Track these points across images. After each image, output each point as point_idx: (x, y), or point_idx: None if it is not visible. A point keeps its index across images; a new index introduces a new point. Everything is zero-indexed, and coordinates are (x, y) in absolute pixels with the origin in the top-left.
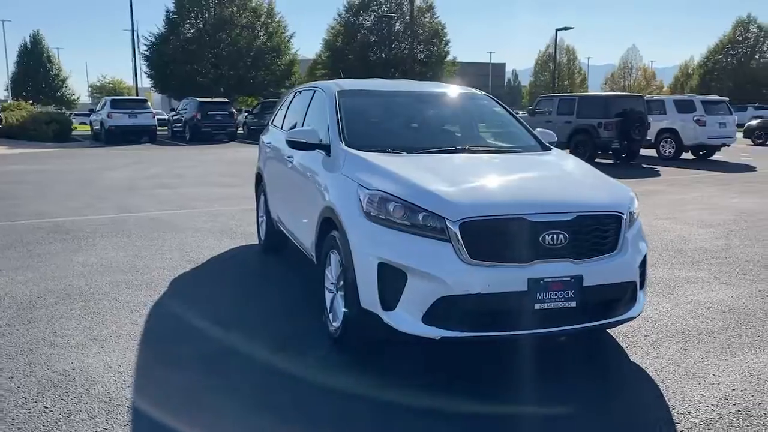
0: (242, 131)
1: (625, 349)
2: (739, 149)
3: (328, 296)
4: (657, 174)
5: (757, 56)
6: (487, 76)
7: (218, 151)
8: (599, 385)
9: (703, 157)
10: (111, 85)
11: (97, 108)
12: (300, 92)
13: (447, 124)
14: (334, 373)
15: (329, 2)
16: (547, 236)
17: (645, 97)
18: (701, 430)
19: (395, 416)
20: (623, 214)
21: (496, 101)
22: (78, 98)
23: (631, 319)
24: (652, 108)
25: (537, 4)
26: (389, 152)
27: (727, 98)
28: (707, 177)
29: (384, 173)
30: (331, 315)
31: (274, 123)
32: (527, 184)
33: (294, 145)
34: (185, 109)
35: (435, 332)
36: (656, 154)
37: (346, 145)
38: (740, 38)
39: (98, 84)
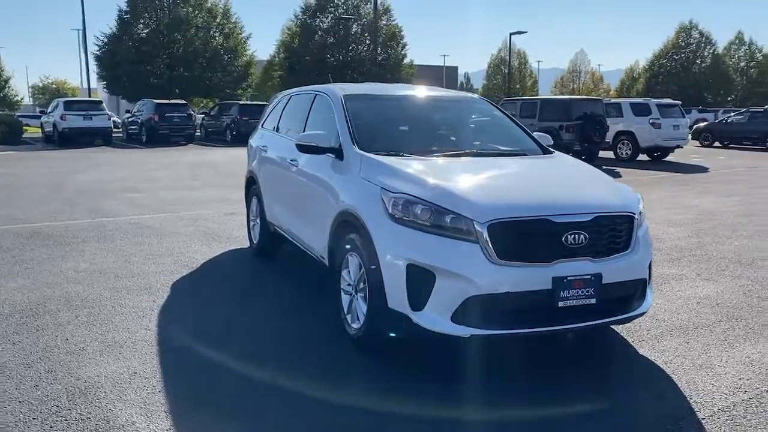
0: (199, 133)
1: (632, 344)
2: (689, 151)
3: (345, 298)
4: (618, 175)
5: (698, 61)
6: (440, 79)
7: (178, 153)
8: (618, 379)
9: (658, 158)
10: (54, 86)
11: (49, 110)
12: (295, 96)
13: (453, 127)
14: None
15: (284, 3)
16: (569, 236)
17: (603, 101)
18: (720, 418)
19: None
20: (635, 214)
21: (494, 105)
22: (21, 99)
23: (642, 314)
24: (609, 111)
25: (487, 7)
26: (402, 155)
27: (680, 102)
28: (666, 178)
29: (405, 176)
30: (349, 316)
31: (265, 126)
32: (546, 186)
33: (304, 149)
34: (141, 111)
35: (464, 331)
36: (614, 156)
37: (359, 148)
38: (683, 43)
39: (40, 85)
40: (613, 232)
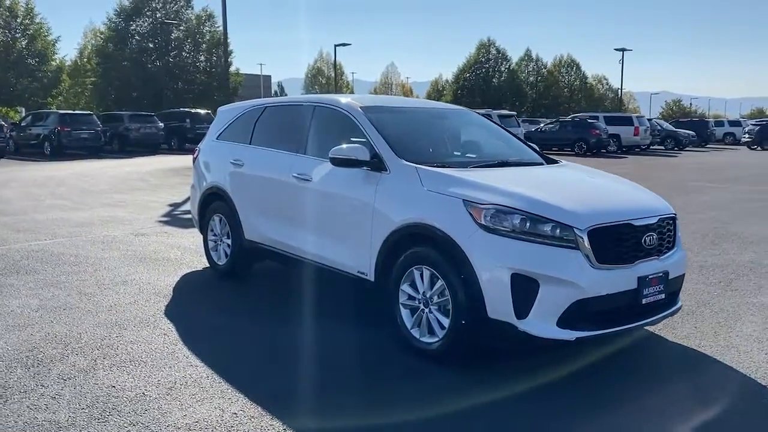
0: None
1: (657, 334)
2: None
3: (405, 312)
4: None
5: (497, 75)
6: (255, 87)
7: (3, 171)
8: (674, 371)
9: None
10: None
11: None
12: (273, 107)
13: (470, 139)
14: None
15: (88, 5)
16: (647, 238)
17: None
18: None
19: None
20: (676, 215)
21: (483, 117)
22: None
23: (680, 307)
24: None
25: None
26: (448, 167)
27: (515, 113)
28: None
29: (484, 188)
30: (416, 330)
31: (223, 139)
32: (611, 193)
33: (340, 162)
34: None
35: (569, 334)
36: None
37: (407, 161)
38: (483, 59)
39: None
40: (669, 232)
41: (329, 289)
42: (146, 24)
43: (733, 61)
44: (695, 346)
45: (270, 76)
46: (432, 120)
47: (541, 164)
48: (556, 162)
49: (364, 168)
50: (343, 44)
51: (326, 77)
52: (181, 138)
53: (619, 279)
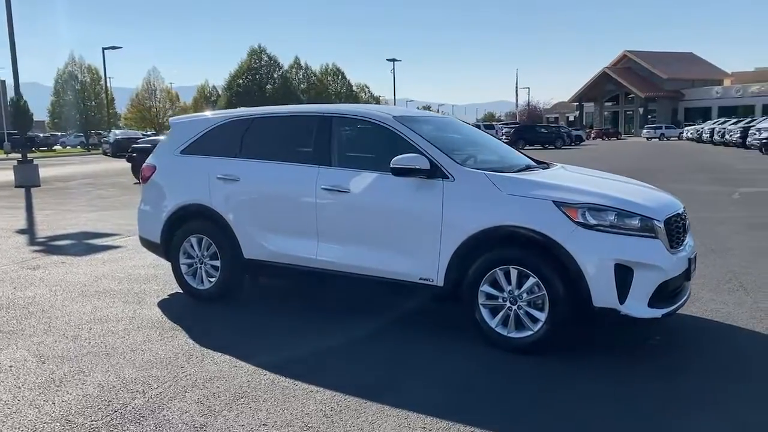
0: None
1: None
2: None
3: (485, 311)
4: None
5: (271, 81)
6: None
7: None
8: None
9: None
10: None
11: None
12: (269, 118)
13: (487, 146)
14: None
15: None
16: (684, 223)
17: None
18: None
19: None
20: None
21: (463, 122)
22: None
23: None
24: None
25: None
26: (503, 172)
27: None
28: None
29: (568, 189)
30: (501, 327)
31: (196, 153)
32: (647, 189)
33: (400, 171)
34: None
35: (657, 312)
36: None
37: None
38: (256, 65)
39: None
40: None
41: (358, 299)
42: None
43: (461, 71)
44: None
45: (4, 81)
46: (446, 127)
47: (548, 166)
48: (553, 164)
49: (420, 177)
50: (113, 47)
51: (80, 83)
52: None
53: (681, 261)
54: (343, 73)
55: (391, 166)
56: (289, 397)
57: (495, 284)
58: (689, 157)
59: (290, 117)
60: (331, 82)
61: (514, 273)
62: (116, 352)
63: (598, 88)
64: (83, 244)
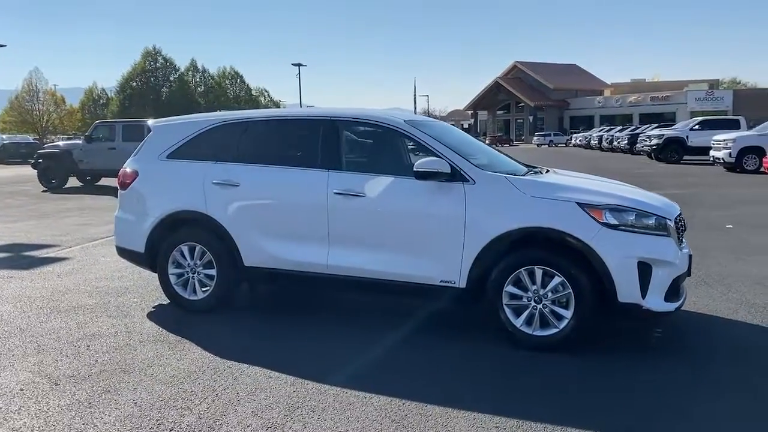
0: None
1: None
2: None
3: (509, 311)
4: None
5: (167, 84)
6: None
7: None
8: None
9: None
10: None
11: None
12: (270, 121)
13: (484, 151)
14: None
15: None
16: (684, 223)
17: None
18: None
19: None
20: None
21: None
22: None
23: None
24: None
25: None
26: (524, 175)
27: None
28: None
29: (586, 191)
30: (525, 326)
31: (202, 159)
32: (646, 192)
33: (423, 175)
34: None
35: (671, 306)
36: None
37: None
38: (150, 67)
39: None
40: None
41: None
42: None
43: (362, 77)
44: None
45: None
46: (450, 132)
47: (542, 170)
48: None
49: (440, 180)
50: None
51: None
52: None
53: (685, 258)
54: (241, 77)
55: (415, 169)
56: (345, 404)
57: (519, 284)
58: (588, 161)
59: (292, 120)
60: (229, 86)
61: (538, 273)
62: (133, 369)
63: (491, 97)
64: (23, 257)
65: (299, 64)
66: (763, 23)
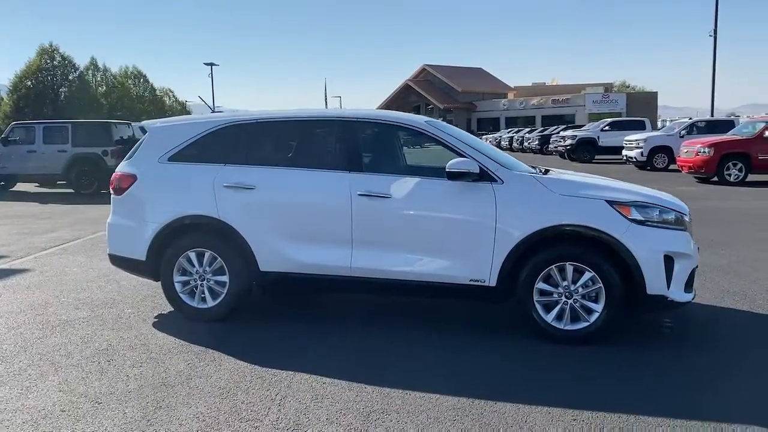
0: None
1: None
2: None
3: (540, 307)
4: None
5: (67, 84)
6: None
7: None
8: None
9: None
10: None
11: None
12: (284, 122)
13: (494, 151)
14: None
15: None
16: (691, 219)
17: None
18: None
19: None
20: None
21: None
22: None
23: None
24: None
25: None
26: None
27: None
28: None
29: (611, 189)
30: (556, 321)
31: (210, 161)
32: (652, 189)
33: (454, 176)
34: None
35: (689, 297)
36: None
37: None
38: (47, 65)
39: None
40: None
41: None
42: None
43: (274, 79)
44: None
45: None
46: (463, 133)
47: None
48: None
49: (469, 180)
50: None
51: None
52: None
53: (697, 251)
54: (145, 76)
55: (447, 170)
56: (418, 406)
57: (549, 280)
58: None
59: (307, 122)
60: (132, 86)
61: (569, 269)
62: (173, 383)
63: (402, 99)
64: None
65: (212, 64)
66: (647, 32)
